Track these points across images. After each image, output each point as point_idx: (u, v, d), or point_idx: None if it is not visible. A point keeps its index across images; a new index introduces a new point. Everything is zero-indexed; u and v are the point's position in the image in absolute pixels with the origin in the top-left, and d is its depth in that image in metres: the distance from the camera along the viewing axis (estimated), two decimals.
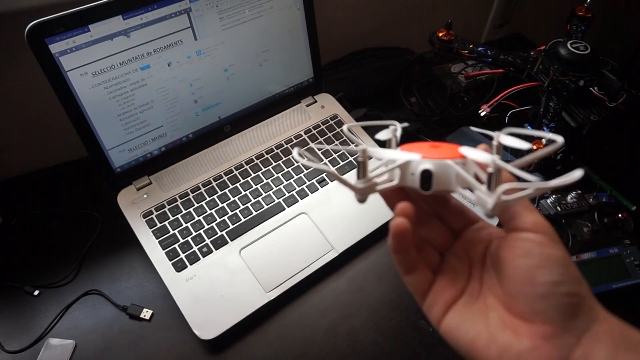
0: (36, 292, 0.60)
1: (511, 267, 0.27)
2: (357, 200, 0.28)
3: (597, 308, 0.26)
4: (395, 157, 0.28)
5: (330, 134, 0.73)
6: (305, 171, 0.69)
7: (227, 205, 0.64)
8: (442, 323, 0.30)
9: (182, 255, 0.60)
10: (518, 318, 0.27)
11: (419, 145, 0.30)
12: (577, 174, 0.24)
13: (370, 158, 0.28)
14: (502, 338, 0.27)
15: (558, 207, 0.61)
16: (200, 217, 0.63)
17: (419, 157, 0.27)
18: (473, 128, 0.34)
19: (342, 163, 0.70)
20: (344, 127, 0.33)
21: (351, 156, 0.69)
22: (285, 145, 0.72)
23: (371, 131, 0.73)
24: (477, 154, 0.26)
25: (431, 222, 0.32)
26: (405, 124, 0.33)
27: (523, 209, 0.27)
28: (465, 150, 0.28)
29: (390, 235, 0.28)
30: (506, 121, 0.70)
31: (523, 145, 0.27)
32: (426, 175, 0.27)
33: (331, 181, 0.67)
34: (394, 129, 0.32)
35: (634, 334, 0.26)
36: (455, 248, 0.32)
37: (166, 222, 0.62)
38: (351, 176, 0.27)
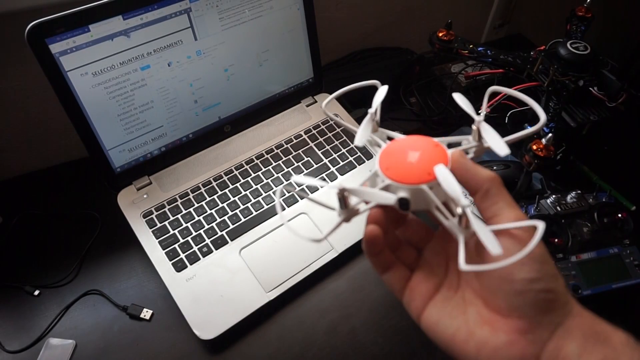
0: (36, 292, 0.60)
1: (490, 263, 0.27)
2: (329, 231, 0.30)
3: (571, 303, 0.27)
4: (373, 197, 0.29)
5: (330, 134, 0.73)
6: (306, 171, 0.69)
7: (227, 205, 0.64)
8: (422, 318, 0.30)
9: (182, 255, 0.60)
10: (495, 313, 0.28)
11: (399, 145, 0.31)
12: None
13: (347, 196, 0.29)
14: (480, 333, 0.28)
15: (558, 207, 0.61)
16: (201, 217, 0.63)
17: (394, 198, 0.28)
18: (457, 97, 0.34)
19: (342, 163, 0.70)
20: (322, 105, 0.34)
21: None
22: (286, 145, 0.72)
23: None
24: (448, 184, 0.27)
25: (407, 222, 0.33)
26: (385, 87, 0.35)
27: (504, 206, 0.28)
28: (440, 173, 0.28)
29: (363, 241, 0.30)
30: (506, 121, 0.70)
31: (500, 144, 0.29)
32: (403, 201, 0.28)
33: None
34: (371, 115, 0.34)
35: (604, 327, 0.27)
36: (432, 243, 0.33)
37: (166, 222, 0.62)
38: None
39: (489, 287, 0.28)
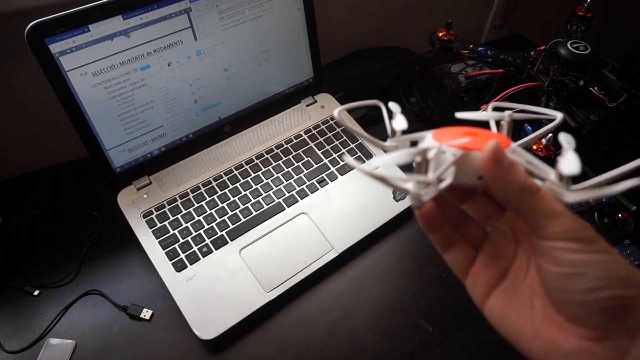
0: (36, 292, 0.60)
1: (544, 272, 0.25)
2: (413, 207, 0.26)
3: None
4: (444, 161, 0.25)
5: (330, 134, 0.73)
6: (306, 171, 0.69)
7: (227, 205, 0.64)
8: (485, 306, 0.28)
9: (182, 255, 0.60)
10: (563, 316, 0.25)
11: (449, 131, 0.28)
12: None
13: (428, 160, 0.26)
14: (547, 333, 0.25)
15: None
16: (200, 217, 0.63)
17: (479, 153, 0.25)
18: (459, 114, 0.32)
19: (342, 163, 0.70)
20: (335, 113, 0.31)
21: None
22: (285, 145, 0.72)
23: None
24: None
25: (474, 197, 0.30)
26: (394, 105, 0.32)
27: (546, 215, 0.24)
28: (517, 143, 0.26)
29: (418, 216, 0.27)
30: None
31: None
32: None
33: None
34: (401, 117, 0.30)
35: None
36: (500, 223, 0.29)
37: (166, 222, 0.62)
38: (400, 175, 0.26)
39: (549, 294, 0.25)
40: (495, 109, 0.30)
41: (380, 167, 0.26)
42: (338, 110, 0.30)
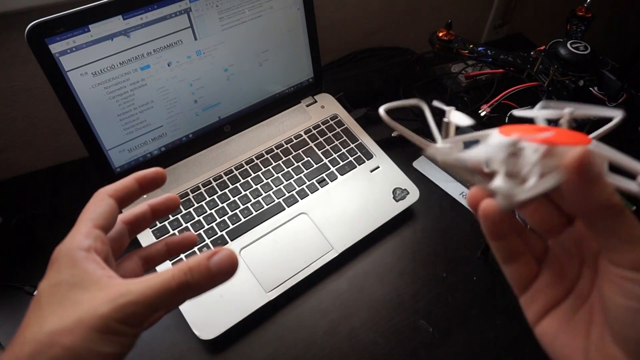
0: (36, 292, 0.60)
1: (609, 301, 0.22)
2: (503, 207, 0.22)
3: None
4: (526, 159, 0.22)
5: (330, 134, 0.73)
6: (306, 171, 0.69)
7: (227, 205, 0.64)
8: (538, 326, 0.26)
9: (182, 255, 0.59)
10: (621, 351, 0.22)
11: (515, 128, 0.25)
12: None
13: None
14: None
15: None
16: (201, 217, 0.63)
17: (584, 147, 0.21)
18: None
19: (342, 163, 0.70)
20: (381, 112, 0.27)
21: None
22: (285, 145, 0.72)
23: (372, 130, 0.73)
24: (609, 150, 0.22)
25: (537, 203, 0.27)
26: (452, 109, 0.28)
27: (625, 239, 0.21)
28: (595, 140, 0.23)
29: (480, 220, 0.24)
30: (506, 121, 0.70)
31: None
32: None
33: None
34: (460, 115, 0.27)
35: None
36: (564, 237, 0.26)
37: (166, 222, 0.62)
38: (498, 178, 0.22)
39: (612, 327, 0.23)
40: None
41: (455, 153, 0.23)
42: (384, 109, 0.27)
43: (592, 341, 0.24)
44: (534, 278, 0.26)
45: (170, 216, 0.62)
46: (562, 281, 0.26)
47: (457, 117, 0.27)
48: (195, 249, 0.60)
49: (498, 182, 0.22)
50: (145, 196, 0.33)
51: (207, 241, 0.61)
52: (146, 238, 0.61)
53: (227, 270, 0.27)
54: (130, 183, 0.31)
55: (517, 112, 0.27)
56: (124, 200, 0.31)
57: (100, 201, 0.29)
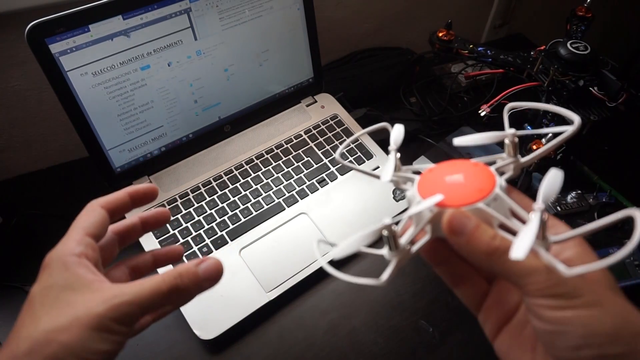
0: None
1: (533, 324, 0.25)
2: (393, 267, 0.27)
3: None
4: (422, 218, 0.26)
5: (330, 134, 0.73)
6: (306, 171, 0.69)
7: (227, 205, 0.64)
8: (495, 342, 0.28)
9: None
10: None
11: (435, 173, 0.28)
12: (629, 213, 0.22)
13: (395, 231, 0.26)
14: None
15: (558, 207, 0.61)
16: (201, 217, 0.63)
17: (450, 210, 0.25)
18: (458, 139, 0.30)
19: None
20: (337, 156, 0.32)
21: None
22: (285, 145, 0.72)
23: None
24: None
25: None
26: (399, 126, 0.31)
27: (520, 273, 0.23)
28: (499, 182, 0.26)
29: (420, 252, 0.26)
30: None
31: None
32: None
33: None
34: (394, 152, 0.30)
35: None
36: None
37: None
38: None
39: (542, 345, 0.25)
40: (511, 110, 0.29)
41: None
42: (339, 153, 0.31)
43: (538, 356, 0.25)
44: (484, 297, 0.28)
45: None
46: (509, 298, 0.27)
47: (396, 131, 0.30)
48: (195, 248, 0.60)
49: (384, 251, 0.27)
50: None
51: (207, 241, 0.61)
52: (146, 238, 0.61)
53: (213, 276, 0.29)
54: (123, 196, 0.32)
55: (458, 142, 0.28)
56: (115, 212, 0.32)
57: (92, 211, 0.31)
